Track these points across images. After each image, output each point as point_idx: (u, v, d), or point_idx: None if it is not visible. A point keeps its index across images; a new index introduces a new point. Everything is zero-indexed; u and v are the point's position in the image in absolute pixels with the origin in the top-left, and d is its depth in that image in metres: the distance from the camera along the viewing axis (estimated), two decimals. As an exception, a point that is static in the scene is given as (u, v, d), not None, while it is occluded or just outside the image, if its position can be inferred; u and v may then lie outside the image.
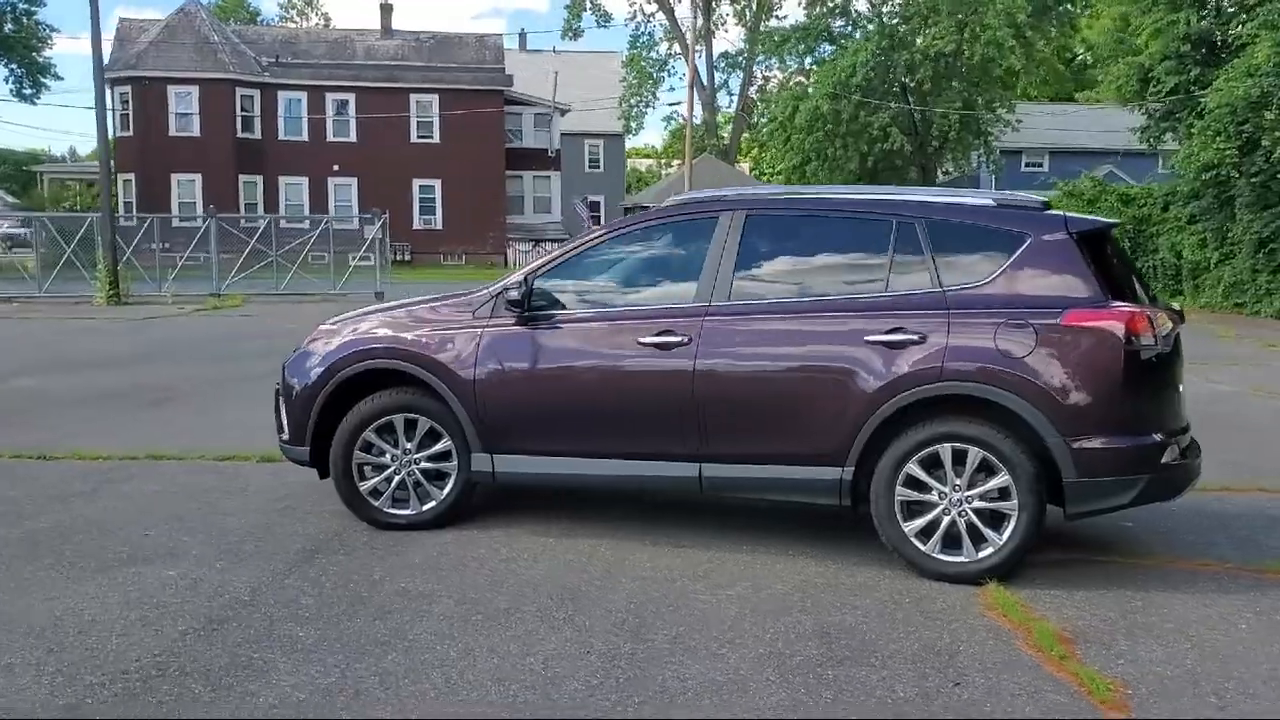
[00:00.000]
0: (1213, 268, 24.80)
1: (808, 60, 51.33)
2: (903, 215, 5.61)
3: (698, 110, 46.92)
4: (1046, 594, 5.21)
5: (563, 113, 51.83)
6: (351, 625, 4.69)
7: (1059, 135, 55.06)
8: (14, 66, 45.67)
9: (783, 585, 5.30)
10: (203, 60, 44.33)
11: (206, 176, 43.75)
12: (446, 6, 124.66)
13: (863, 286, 5.63)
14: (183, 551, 5.72)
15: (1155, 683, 4.21)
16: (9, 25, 44.35)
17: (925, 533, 5.40)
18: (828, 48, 49.51)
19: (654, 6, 56.86)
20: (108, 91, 33.45)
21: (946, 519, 5.36)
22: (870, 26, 47.27)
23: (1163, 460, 5.31)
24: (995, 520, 5.33)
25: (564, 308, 5.98)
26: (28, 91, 47.46)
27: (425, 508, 6.16)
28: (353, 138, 46.36)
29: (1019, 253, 5.42)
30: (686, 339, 5.64)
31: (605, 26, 60.93)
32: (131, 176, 43.10)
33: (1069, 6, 48.34)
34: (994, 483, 5.28)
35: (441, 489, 6.16)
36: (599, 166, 62.10)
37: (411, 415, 6.12)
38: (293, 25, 63.89)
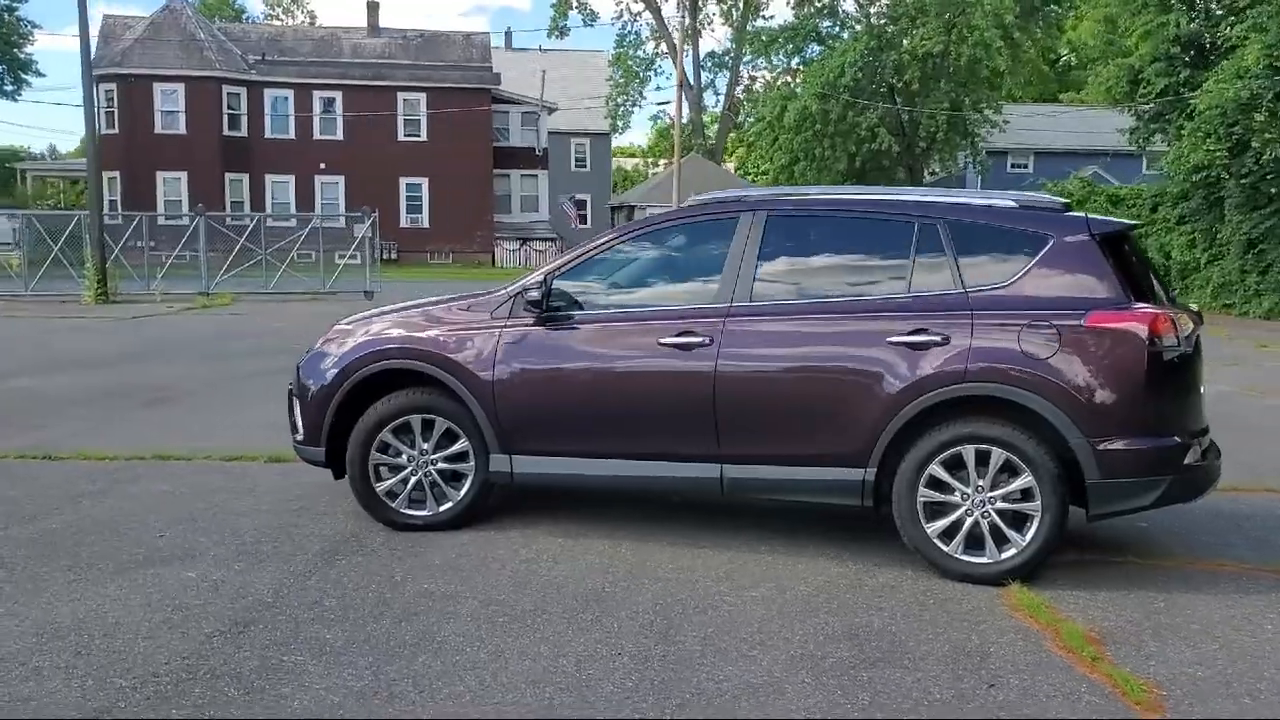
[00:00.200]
0: (1202, 268, 24.96)
1: (795, 61, 51.45)
2: (925, 216, 5.61)
3: (684, 110, 46.91)
4: (1069, 595, 5.22)
5: (550, 111, 51.79)
6: (378, 627, 4.66)
7: (1044, 136, 55.31)
8: (-4, 63, 45.40)
9: (806, 586, 5.29)
10: (188, 58, 44.09)
11: (192, 174, 43.56)
12: (430, 4, 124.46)
13: (885, 287, 5.62)
14: (199, 553, 5.67)
15: (1188, 684, 4.22)
16: (-9, 21, 44.08)
17: (948, 534, 5.41)
18: (816, 48, 49.59)
19: (640, 5, 56.92)
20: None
21: (969, 520, 5.36)
22: (858, 27, 47.38)
23: (1185, 461, 5.33)
24: (1017, 521, 5.34)
25: (583, 308, 5.95)
26: (9, 88, 47.21)
27: (442, 509, 6.13)
28: (339, 136, 46.23)
29: (1042, 254, 5.43)
30: (708, 339, 5.63)
31: (591, 25, 60.88)
32: (116, 174, 42.79)
33: (1055, 8, 48.53)
34: (1017, 484, 5.29)
35: (458, 490, 6.13)
36: (585, 165, 62.06)
37: (429, 416, 6.08)
38: (278, 23, 63.61)
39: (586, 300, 5.99)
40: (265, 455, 7.92)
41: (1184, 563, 5.84)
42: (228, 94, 44.58)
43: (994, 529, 5.34)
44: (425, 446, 6.09)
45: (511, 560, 5.63)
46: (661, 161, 71.46)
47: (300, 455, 6.50)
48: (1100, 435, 5.19)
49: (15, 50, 46.13)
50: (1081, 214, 5.72)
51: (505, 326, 5.98)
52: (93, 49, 28.16)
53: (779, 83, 52.50)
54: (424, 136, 47.10)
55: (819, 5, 49.67)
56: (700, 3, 55.91)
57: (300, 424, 6.39)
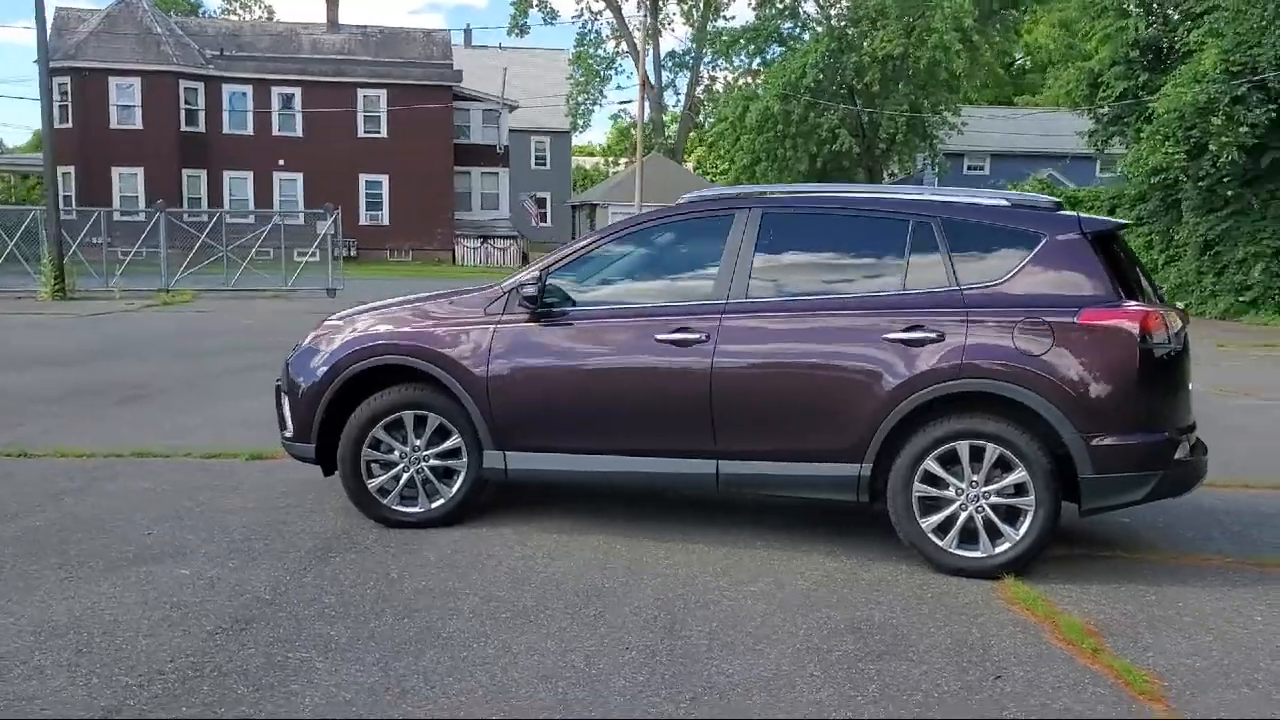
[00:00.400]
0: (1159, 270, 25.36)
1: (756, 62, 51.68)
2: (919, 214, 5.66)
3: (646, 109, 46.94)
4: (1062, 588, 5.29)
5: (511, 109, 51.60)
6: (380, 624, 4.64)
7: (1001, 139, 55.99)
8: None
9: (804, 581, 5.33)
10: (145, 52, 43.47)
11: (149, 170, 42.93)
12: (384, 1, 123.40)
13: (880, 285, 5.67)
14: (190, 550, 5.61)
15: (1187, 675, 4.30)
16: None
17: (942, 528, 5.46)
18: (777, 49, 49.82)
19: (601, 4, 56.96)
20: (48, 82, 32.61)
21: (964, 515, 5.42)
22: (819, 29, 47.64)
23: (1175, 457, 5.42)
24: (1010, 516, 5.40)
25: (579, 304, 5.95)
26: (-42, 81, 46.28)
27: (434, 505, 6.10)
28: (299, 132, 45.75)
29: (1035, 252, 5.50)
30: (705, 336, 5.65)
31: (551, 24, 60.87)
32: (71, 169, 42.08)
33: (1013, 12, 49.08)
34: (1010, 479, 5.35)
35: (450, 486, 6.10)
36: (545, 164, 61.98)
37: (421, 412, 6.05)
38: (235, 18, 62.92)
39: (581, 296, 5.99)
40: (246, 453, 7.85)
41: (1170, 557, 5.94)
42: (185, 89, 43.97)
43: (988, 523, 5.40)
44: (418, 443, 6.06)
45: (507, 557, 5.61)
46: (622, 160, 71.47)
47: (289, 452, 6.44)
48: (1093, 431, 5.26)
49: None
50: (1073, 213, 5.81)
51: (499, 322, 5.96)
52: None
53: (739, 83, 52.73)
54: (384, 133, 46.74)
55: (780, 6, 49.91)
56: (661, 2, 56.01)
57: (289, 420, 6.33)
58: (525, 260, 49.27)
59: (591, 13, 57.48)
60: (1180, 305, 6.37)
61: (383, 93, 46.59)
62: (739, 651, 4.42)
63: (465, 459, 6.05)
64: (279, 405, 6.51)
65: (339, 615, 4.73)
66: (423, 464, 6.07)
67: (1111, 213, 27.10)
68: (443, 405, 6.03)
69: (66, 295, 23.61)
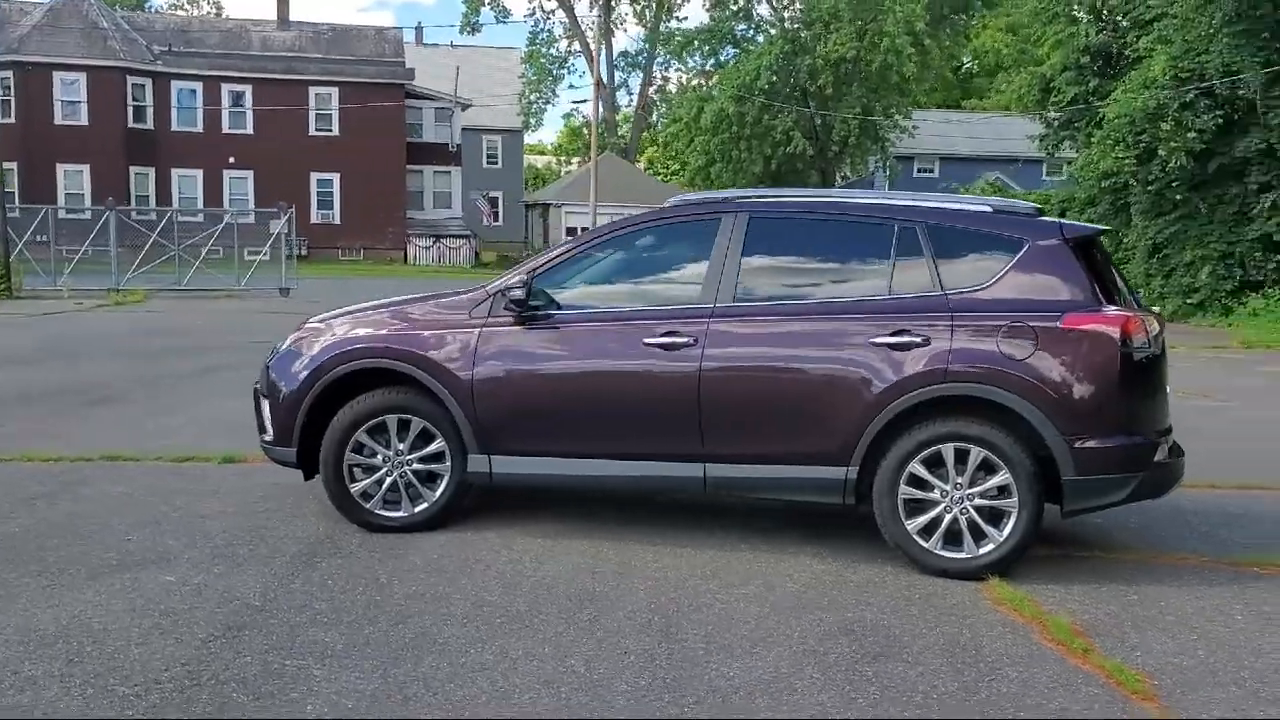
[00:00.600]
0: (1109, 272, 25.74)
1: (710, 63, 51.86)
2: (904, 219, 5.72)
3: (599, 108, 46.93)
4: (1045, 589, 5.37)
5: (464, 108, 51.38)
6: (375, 630, 4.60)
7: (950, 142, 56.69)
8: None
9: (793, 584, 5.37)
10: (91, 46, 42.77)
11: (95, 167, 42.27)
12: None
13: (866, 289, 5.72)
14: (173, 556, 5.53)
15: (1175, 674, 4.38)
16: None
17: (927, 530, 5.52)
18: (731, 50, 50.04)
19: (554, 3, 56.87)
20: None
21: (948, 517, 5.49)
22: (773, 31, 47.91)
23: (1154, 459, 5.53)
24: (994, 517, 5.48)
25: (565, 307, 5.94)
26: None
27: (418, 510, 6.06)
28: (249, 130, 45.26)
29: (1018, 258, 5.58)
30: (693, 340, 5.67)
31: (504, 22, 60.70)
32: (14, 166, 41.27)
33: (962, 17, 49.70)
34: (994, 481, 5.43)
35: (434, 490, 6.07)
36: (497, 162, 61.71)
37: (405, 416, 6.01)
38: (184, 13, 62.01)
39: (568, 300, 5.98)
40: (219, 456, 7.76)
41: (1147, 556, 6.06)
42: (132, 85, 43.31)
43: (972, 525, 5.47)
44: (401, 447, 6.02)
45: (495, 562, 5.59)
46: (574, 160, 71.37)
47: (269, 456, 6.38)
48: (1076, 433, 5.35)
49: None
50: (1054, 219, 5.90)
51: (485, 326, 5.94)
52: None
53: (692, 85, 52.90)
54: (336, 131, 46.38)
55: (734, 8, 50.13)
56: (613, 2, 56.02)
57: (269, 424, 6.27)
58: (478, 259, 49.10)
59: (544, 11, 57.54)
60: (1155, 309, 6.49)
61: (334, 90, 46.24)
62: (737, 655, 4.44)
63: (449, 463, 6.02)
64: (258, 409, 6.44)
65: (331, 621, 4.69)
66: (406, 468, 6.04)
67: (1061, 216, 27.49)
68: (426, 409, 6.00)
69: (13, 294, 23.22)
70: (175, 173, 44.19)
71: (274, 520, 6.22)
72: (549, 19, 58.04)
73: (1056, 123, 28.70)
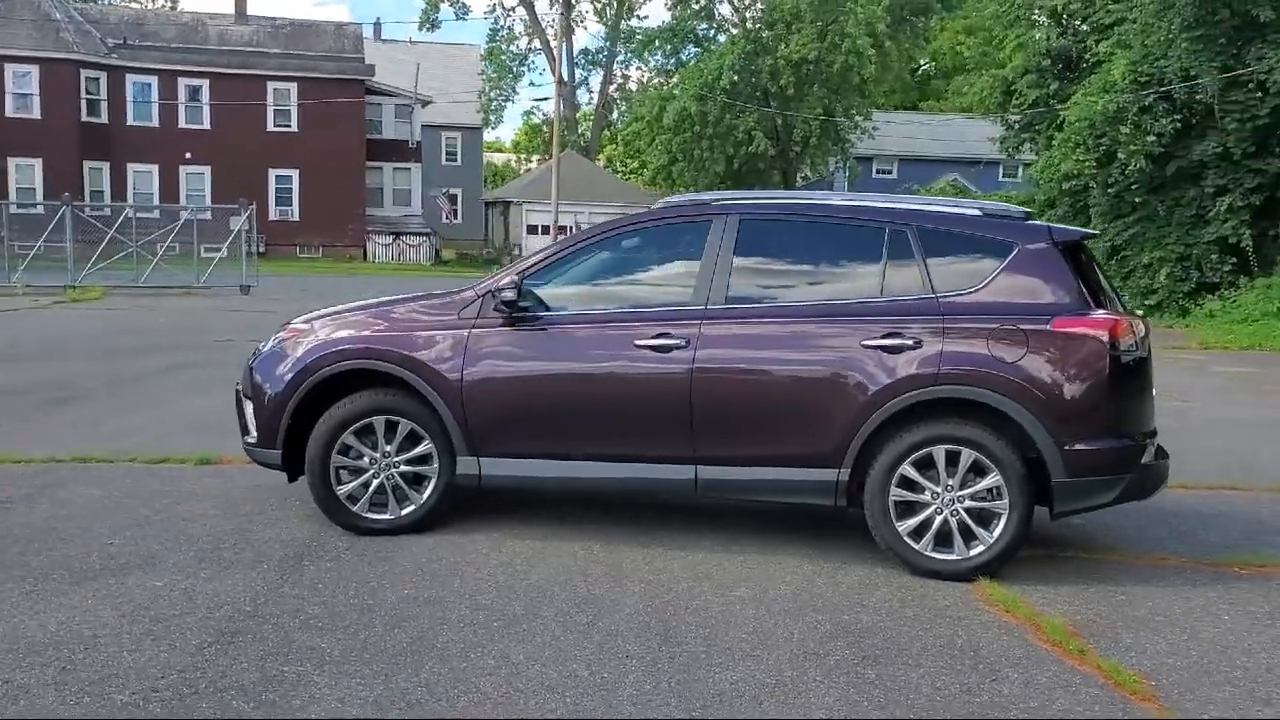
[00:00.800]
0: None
1: (672, 62, 51.89)
2: (895, 223, 5.74)
3: (560, 106, 46.83)
4: (1034, 590, 5.42)
5: (424, 104, 51.04)
6: (371, 634, 4.55)
7: (908, 143, 57.11)
8: None
9: (786, 586, 5.37)
10: (43, 38, 42.02)
11: (48, 161, 41.49)
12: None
13: (857, 292, 5.73)
14: (158, 560, 5.44)
15: (1171, 674, 4.43)
16: None
17: (918, 531, 5.55)
18: (693, 49, 50.11)
19: (514, 0, 56.55)
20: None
21: (939, 518, 5.52)
22: (734, 31, 48.02)
23: (1141, 461, 5.59)
24: (984, 519, 5.51)
25: (555, 309, 5.91)
26: None
27: (404, 512, 6.01)
28: (206, 125, 44.63)
29: (1007, 261, 5.61)
30: (684, 342, 5.66)
31: (464, 19, 60.29)
32: (-37, 159, 40.59)
33: (922, 19, 50.06)
34: (985, 483, 5.46)
35: (421, 493, 6.02)
36: (456, 159, 61.31)
37: (393, 417, 5.95)
38: (138, 6, 61.04)
39: (558, 301, 5.94)
40: (195, 458, 7.64)
41: (1129, 557, 6.12)
42: (86, 78, 42.58)
43: (962, 527, 5.51)
44: (388, 449, 5.96)
45: (485, 564, 5.55)
46: (534, 158, 71.13)
47: (253, 458, 6.29)
48: (1065, 436, 5.39)
49: None
50: (1043, 223, 5.95)
51: (474, 327, 5.89)
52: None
53: (653, 84, 52.89)
54: (294, 127, 45.86)
55: (696, 7, 50.17)
56: (574, 0, 55.87)
57: (253, 426, 6.18)
58: (438, 257, 48.81)
59: (504, 9, 57.10)
60: (1139, 312, 6.56)
61: (293, 86, 45.73)
62: (738, 658, 4.43)
63: (436, 465, 5.97)
64: (240, 410, 6.35)
65: (326, 626, 4.63)
66: (393, 470, 5.98)
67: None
68: (414, 410, 5.94)
69: (-34, 291, 22.73)
70: (131, 168, 43.52)
71: (257, 523, 6.13)
72: (509, 16, 57.74)
73: (1017, 125, 28.99)
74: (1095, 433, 5.45)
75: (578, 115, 59.67)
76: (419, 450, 5.97)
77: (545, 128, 61.99)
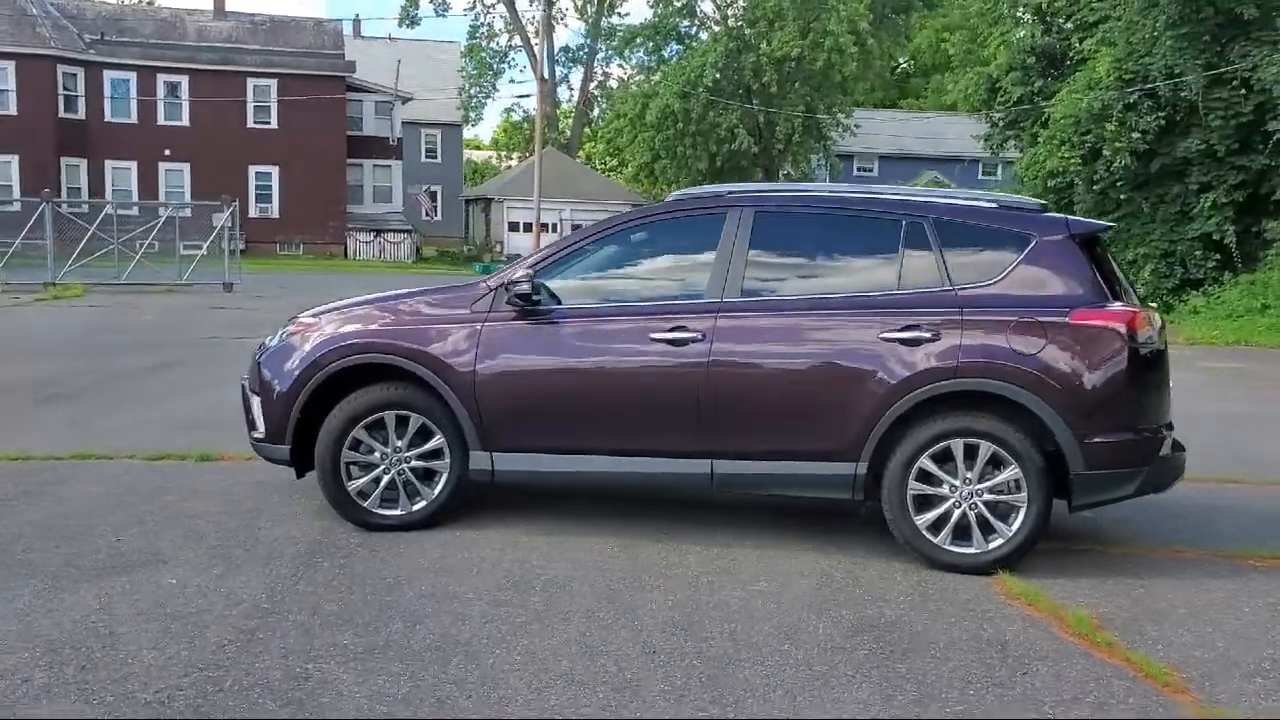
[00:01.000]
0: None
1: (654, 59, 51.81)
2: (912, 215, 5.71)
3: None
4: (1054, 583, 5.39)
5: (405, 101, 50.79)
6: (392, 631, 4.48)
7: (888, 141, 57.25)
8: None
9: (806, 581, 5.33)
10: (20, 34, 41.55)
11: (24, 157, 40.97)
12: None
13: (874, 284, 5.69)
14: (169, 557, 5.35)
15: (1199, 666, 4.41)
16: None
17: (936, 525, 5.52)
18: (675, 47, 50.06)
19: (494, -2, 56.33)
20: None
21: (957, 512, 5.49)
22: (717, 28, 48.00)
23: (1159, 454, 5.58)
24: (1003, 512, 5.48)
25: (568, 302, 5.85)
26: None
27: (415, 508, 5.93)
28: (185, 122, 44.23)
29: (1025, 253, 5.59)
30: (700, 335, 5.61)
31: (444, 16, 59.86)
32: (-61, 155, 40.12)
33: (902, 17, 50.21)
34: (1004, 476, 5.43)
35: (432, 488, 5.94)
36: (436, 156, 61.01)
37: (404, 412, 5.88)
38: (116, 1, 60.49)
39: (571, 294, 5.88)
40: (195, 454, 7.54)
41: (1146, 550, 6.11)
42: (63, 74, 42.12)
43: (981, 520, 5.48)
44: (399, 444, 5.89)
45: (501, 560, 5.49)
46: (514, 155, 70.90)
47: (260, 454, 6.20)
48: (1084, 428, 5.37)
49: None
50: (1060, 215, 5.93)
51: (486, 321, 5.82)
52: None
53: (634, 81, 52.81)
54: (274, 124, 45.50)
55: (678, 4, 50.12)
56: (554, -2, 55.71)
57: (260, 421, 6.09)
58: (419, 254, 48.59)
59: (484, 5, 56.89)
60: (1153, 305, 6.55)
61: (273, 82, 45.37)
62: (766, 653, 4.39)
63: (448, 460, 5.89)
64: (246, 405, 6.26)
65: (346, 623, 4.56)
66: (404, 465, 5.90)
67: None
68: (425, 405, 5.87)
69: (-55, 289, 22.46)
70: (109, 165, 43.07)
71: (264, 519, 6.05)
72: (489, 13, 57.51)
73: (1002, 122, 29.07)
74: (1114, 425, 5.43)
75: (558, 112, 59.53)
76: (430, 445, 5.90)
77: (526, 125, 61.80)
